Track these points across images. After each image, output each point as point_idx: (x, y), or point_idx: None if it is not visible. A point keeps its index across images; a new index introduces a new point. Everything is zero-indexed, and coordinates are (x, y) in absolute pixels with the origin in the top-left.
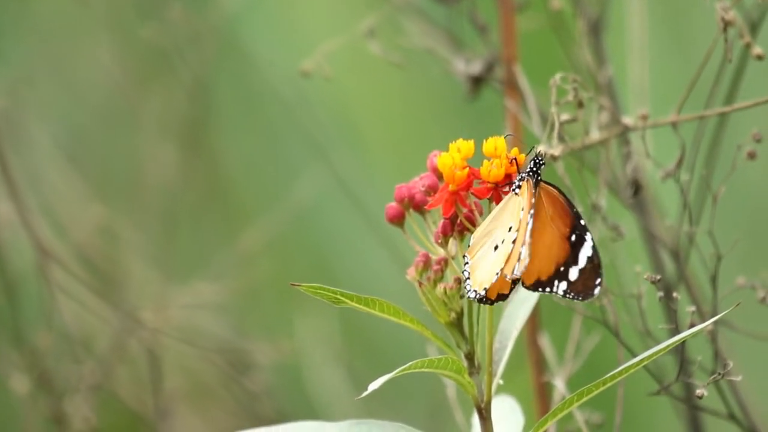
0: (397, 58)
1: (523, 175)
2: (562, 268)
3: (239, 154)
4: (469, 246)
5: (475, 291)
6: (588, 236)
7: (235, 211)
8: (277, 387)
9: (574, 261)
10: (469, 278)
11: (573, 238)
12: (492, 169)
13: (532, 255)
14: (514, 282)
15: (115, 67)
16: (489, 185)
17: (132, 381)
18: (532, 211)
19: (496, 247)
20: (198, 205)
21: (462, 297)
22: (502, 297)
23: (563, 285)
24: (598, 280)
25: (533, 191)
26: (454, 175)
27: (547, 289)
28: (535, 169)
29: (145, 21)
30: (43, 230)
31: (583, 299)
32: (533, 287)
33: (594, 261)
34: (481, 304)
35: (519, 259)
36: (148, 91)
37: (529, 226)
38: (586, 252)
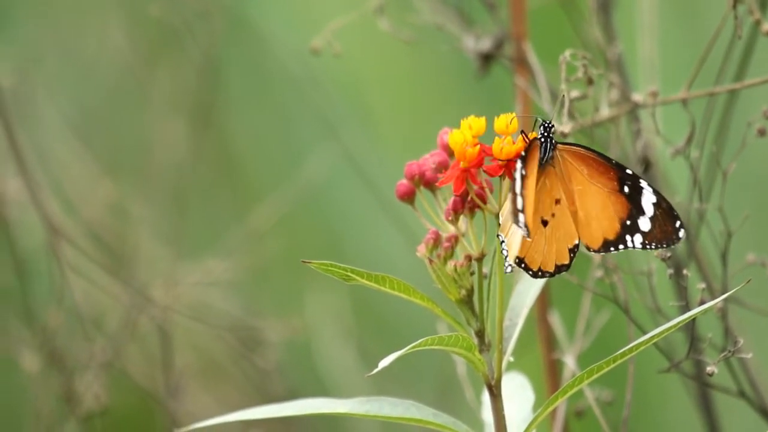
0: (407, 35)
1: (534, 141)
2: (628, 222)
3: (249, 132)
4: (499, 224)
5: (532, 269)
6: (643, 183)
7: (245, 189)
8: (287, 364)
9: (640, 211)
10: (507, 255)
11: (626, 189)
12: (504, 146)
13: (588, 220)
14: (573, 251)
15: (124, 44)
16: (501, 162)
17: (143, 358)
18: (522, 170)
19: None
20: (208, 183)
21: (473, 274)
22: (564, 268)
23: (638, 237)
24: (678, 223)
25: (541, 154)
26: (465, 152)
27: (621, 247)
28: (545, 134)
29: None
30: (53, 208)
31: (668, 246)
32: (604, 249)
33: (662, 205)
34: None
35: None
36: (158, 68)
37: (519, 184)
38: (648, 199)
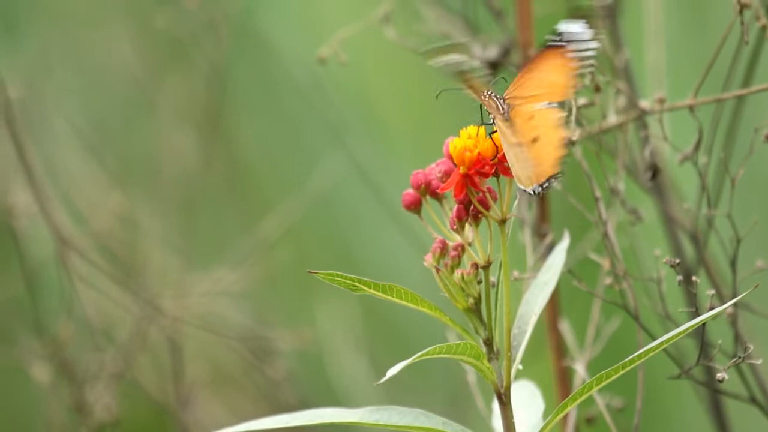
0: (414, 44)
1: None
2: None
3: (258, 141)
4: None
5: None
6: None
7: (254, 198)
8: (298, 374)
9: None
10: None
11: None
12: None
13: None
14: None
15: (132, 54)
16: (489, 161)
17: (153, 369)
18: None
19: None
20: (217, 193)
21: (480, 282)
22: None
23: None
24: None
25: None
26: (464, 157)
27: None
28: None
29: (162, 8)
30: (63, 219)
31: None
32: None
33: None
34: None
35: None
36: (166, 78)
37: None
38: None
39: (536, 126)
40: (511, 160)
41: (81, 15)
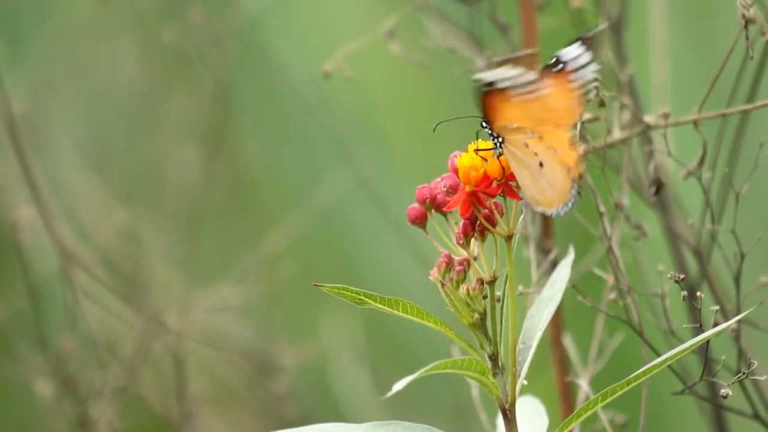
0: (419, 59)
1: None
2: None
3: (262, 156)
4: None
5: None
6: None
7: (258, 213)
8: (301, 389)
9: None
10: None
11: None
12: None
13: None
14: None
15: (136, 69)
16: (496, 180)
17: (156, 384)
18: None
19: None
20: (221, 208)
21: (485, 297)
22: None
23: None
24: None
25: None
26: (470, 175)
27: None
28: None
29: (166, 23)
30: (66, 234)
31: None
32: None
33: None
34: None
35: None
36: (170, 93)
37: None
38: None
39: (545, 148)
40: (525, 184)
41: (86, 29)
